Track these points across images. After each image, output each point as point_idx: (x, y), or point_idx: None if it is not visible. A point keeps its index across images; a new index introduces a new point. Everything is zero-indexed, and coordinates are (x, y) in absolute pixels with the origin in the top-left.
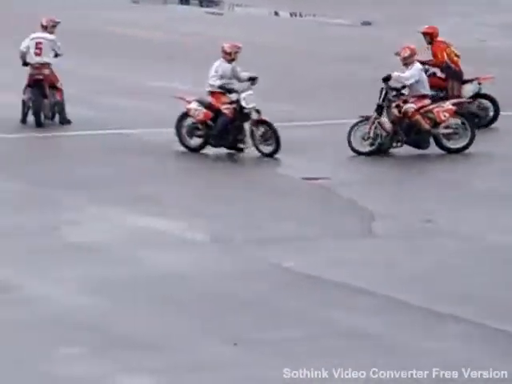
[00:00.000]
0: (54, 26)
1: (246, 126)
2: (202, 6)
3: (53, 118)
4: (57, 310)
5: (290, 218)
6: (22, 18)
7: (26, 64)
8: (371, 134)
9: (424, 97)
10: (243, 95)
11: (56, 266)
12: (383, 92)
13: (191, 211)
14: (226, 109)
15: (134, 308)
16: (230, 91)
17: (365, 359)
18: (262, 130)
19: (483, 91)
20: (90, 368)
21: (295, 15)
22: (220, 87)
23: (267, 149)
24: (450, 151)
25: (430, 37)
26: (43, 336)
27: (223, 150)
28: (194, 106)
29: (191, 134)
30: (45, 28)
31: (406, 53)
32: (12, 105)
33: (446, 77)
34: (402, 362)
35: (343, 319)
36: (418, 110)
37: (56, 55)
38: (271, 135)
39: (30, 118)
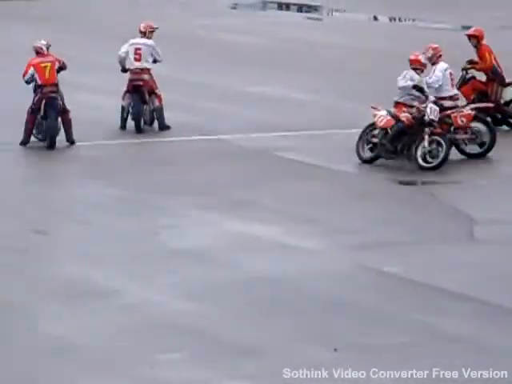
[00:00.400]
0: (151, 32)
1: (426, 135)
2: (301, 11)
3: (152, 123)
4: (157, 315)
5: (389, 223)
6: (120, 25)
7: (125, 70)
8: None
9: (443, 98)
10: (431, 105)
11: (156, 271)
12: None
13: (289, 216)
14: (404, 116)
15: (234, 313)
16: (423, 91)
17: (459, 360)
18: (433, 145)
19: None
20: (191, 373)
21: (394, 20)
22: (414, 86)
23: (427, 164)
24: (469, 156)
25: (477, 40)
26: (144, 341)
27: (321, 157)
28: (381, 112)
29: (367, 143)
30: (143, 34)
31: (430, 53)
32: (112, 110)
33: (489, 80)
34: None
35: (445, 325)
36: None
37: (155, 61)
38: (437, 153)
39: (130, 123)
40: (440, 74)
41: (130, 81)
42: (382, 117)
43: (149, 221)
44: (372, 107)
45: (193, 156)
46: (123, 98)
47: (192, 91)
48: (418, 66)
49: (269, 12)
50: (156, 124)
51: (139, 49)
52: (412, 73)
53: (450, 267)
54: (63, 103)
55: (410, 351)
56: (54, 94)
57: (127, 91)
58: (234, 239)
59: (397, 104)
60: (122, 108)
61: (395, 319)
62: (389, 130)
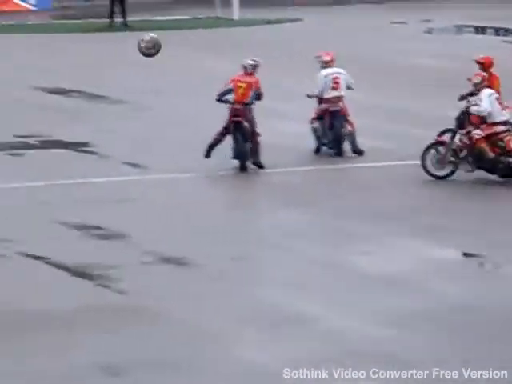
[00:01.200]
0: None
1: None
2: (498, 34)
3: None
4: (354, 342)
5: None
6: (299, 55)
7: (320, 101)
8: (446, 159)
9: (495, 124)
10: None
11: (351, 297)
12: (460, 119)
13: (486, 240)
14: None
15: (433, 341)
16: None
17: None
18: None
19: None
20: None
21: None
22: None
23: None
24: None
25: (484, 66)
26: (342, 368)
27: None
28: None
29: None
30: (330, 63)
31: (477, 79)
32: (304, 136)
33: None
34: None
35: None
36: (485, 138)
37: (348, 88)
38: None
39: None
40: (488, 100)
41: (324, 109)
42: None
43: (344, 247)
44: None
45: (387, 181)
46: (312, 122)
47: (385, 116)
48: None
49: (464, 36)
50: (348, 148)
51: (338, 78)
52: None
53: None
54: (252, 126)
55: None
56: (239, 118)
57: (317, 118)
58: (432, 265)
59: None
60: (315, 133)
61: None
62: None
